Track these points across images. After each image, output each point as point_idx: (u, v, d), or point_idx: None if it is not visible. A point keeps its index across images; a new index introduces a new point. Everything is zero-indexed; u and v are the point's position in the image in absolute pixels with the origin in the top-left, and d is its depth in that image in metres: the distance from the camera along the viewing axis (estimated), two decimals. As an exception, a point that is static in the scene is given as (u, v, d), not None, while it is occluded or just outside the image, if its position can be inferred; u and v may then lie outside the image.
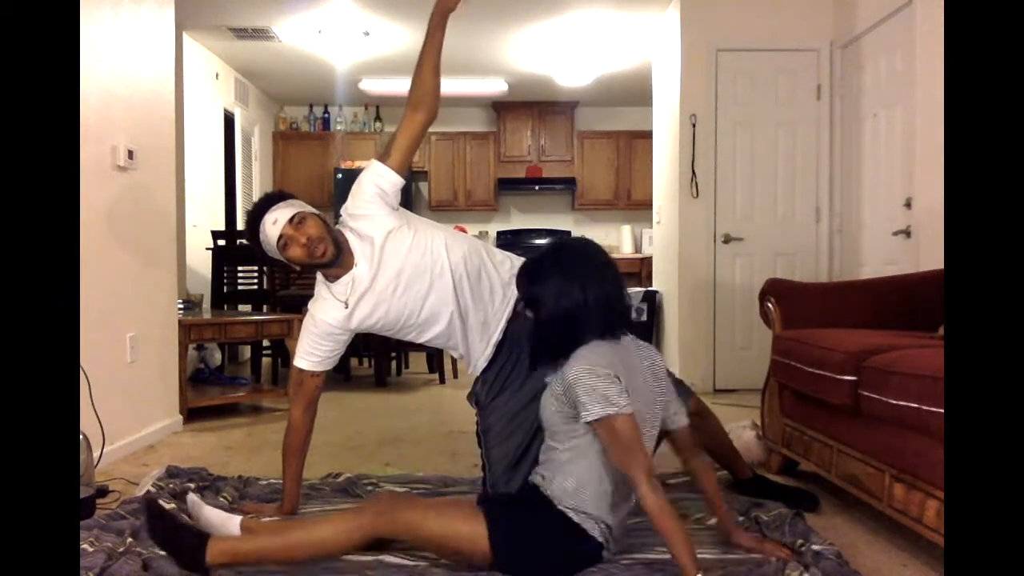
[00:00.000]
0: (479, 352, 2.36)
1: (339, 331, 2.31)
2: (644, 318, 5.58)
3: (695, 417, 2.53)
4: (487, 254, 2.38)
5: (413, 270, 2.26)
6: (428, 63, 2.30)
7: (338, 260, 2.24)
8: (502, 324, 2.33)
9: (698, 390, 4.91)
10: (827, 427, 2.55)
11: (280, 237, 2.21)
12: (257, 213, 2.26)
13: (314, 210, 2.30)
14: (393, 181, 2.29)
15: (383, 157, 2.31)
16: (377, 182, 2.28)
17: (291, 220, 2.21)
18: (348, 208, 2.31)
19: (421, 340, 2.42)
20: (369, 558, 1.97)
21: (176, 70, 4.05)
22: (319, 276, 2.34)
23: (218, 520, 2.12)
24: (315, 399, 2.38)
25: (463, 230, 6.32)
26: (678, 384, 2.50)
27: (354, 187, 2.32)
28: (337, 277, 2.28)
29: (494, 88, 7.52)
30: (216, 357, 5.59)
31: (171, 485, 2.59)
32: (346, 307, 2.27)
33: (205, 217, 6.29)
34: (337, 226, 2.33)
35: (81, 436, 2.42)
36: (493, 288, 2.33)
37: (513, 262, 2.40)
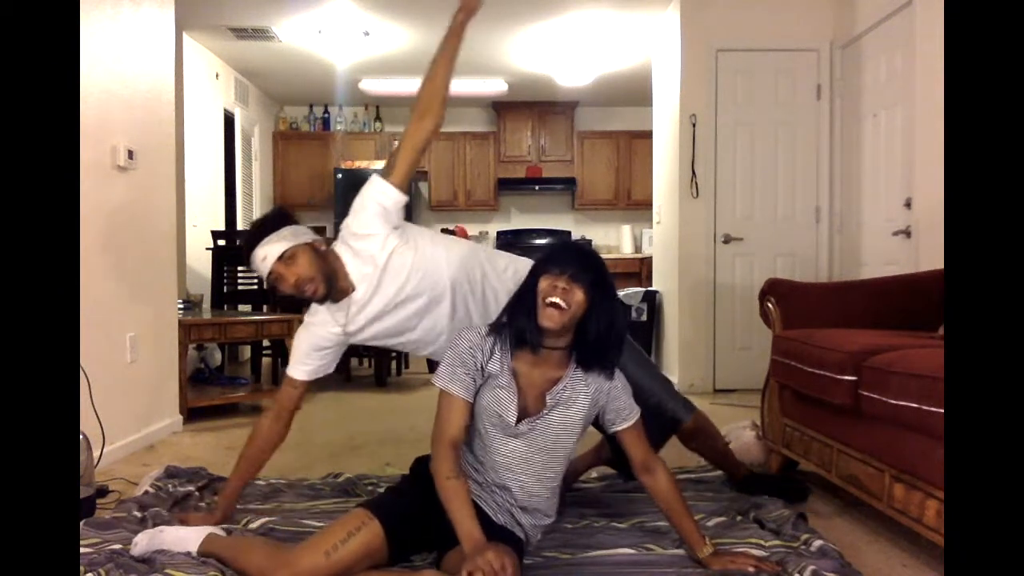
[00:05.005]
0: None
1: (331, 345, 2.31)
2: (644, 318, 5.58)
3: (696, 432, 2.54)
4: (489, 264, 2.33)
5: (412, 292, 2.22)
6: (442, 68, 2.23)
7: (330, 296, 2.20)
8: None
9: (698, 390, 4.95)
10: (827, 427, 2.55)
11: (270, 273, 2.17)
12: (249, 244, 2.20)
13: (308, 238, 2.21)
14: (396, 199, 2.19)
15: (386, 172, 2.22)
16: (380, 200, 2.19)
17: (281, 257, 2.14)
18: (349, 226, 2.23)
19: (420, 355, 2.45)
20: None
21: (176, 70, 4.05)
22: None
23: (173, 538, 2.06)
24: (290, 410, 2.33)
25: (463, 231, 6.33)
26: (679, 402, 2.53)
27: (355, 203, 2.23)
28: (337, 299, 2.24)
29: (494, 88, 7.51)
30: (216, 357, 5.60)
31: (170, 485, 2.60)
32: (341, 327, 2.26)
33: (205, 217, 6.28)
34: (336, 243, 2.26)
35: (81, 436, 2.42)
36: (498, 298, 2.29)
37: (516, 265, 2.37)
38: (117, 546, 2.03)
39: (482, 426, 1.91)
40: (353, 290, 2.21)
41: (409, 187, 2.25)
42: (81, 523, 2.16)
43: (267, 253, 2.15)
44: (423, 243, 2.27)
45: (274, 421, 2.32)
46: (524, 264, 2.36)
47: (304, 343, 2.31)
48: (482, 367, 1.89)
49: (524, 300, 1.87)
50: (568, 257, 1.85)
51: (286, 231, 2.19)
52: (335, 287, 2.19)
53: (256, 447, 2.32)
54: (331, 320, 2.27)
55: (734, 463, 2.69)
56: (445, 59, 2.24)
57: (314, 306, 2.31)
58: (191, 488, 2.61)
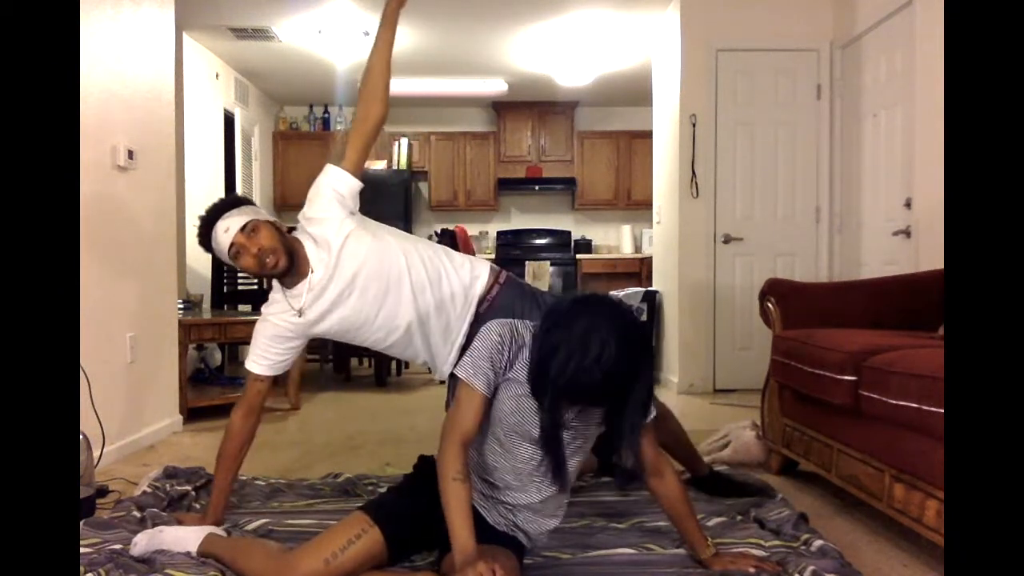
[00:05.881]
0: (444, 357, 2.33)
1: (291, 335, 2.29)
2: (644, 318, 5.58)
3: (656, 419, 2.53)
4: (447, 257, 2.34)
5: (368, 276, 2.22)
6: (380, 57, 2.28)
7: (291, 270, 2.21)
8: (465, 328, 2.29)
9: (698, 390, 4.96)
10: (827, 427, 2.55)
11: (232, 246, 2.17)
12: (209, 219, 2.22)
13: (269, 217, 2.27)
14: (351, 185, 2.23)
15: (339, 160, 2.25)
16: (335, 187, 2.21)
17: (243, 228, 2.17)
18: (305, 213, 2.26)
19: (380, 348, 2.37)
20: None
21: (176, 70, 4.05)
22: (275, 280, 2.31)
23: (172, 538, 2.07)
24: (258, 405, 2.33)
25: (463, 231, 6.31)
26: None
27: (311, 192, 2.26)
28: (293, 284, 2.24)
29: (494, 88, 7.51)
30: (216, 357, 5.60)
31: (167, 485, 2.60)
32: (299, 314, 2.24)
33: (205, 217, 6.28)
34: (294, 232, 2.28)
35: (81, 436, 2.42)
36: (454, 292, 2.29)
37: (472, 264, 2.36)
38: (117, 546, 2.03)
39: (502, 432, 1.85)
40: (311, 272, 2.22)
41: (363, 174, 2.29)
42: (81, 523, 2.17)
43: (229, 225, 2.19)
44: (380, 232, 2.30)
45: (244, 419, 2.31)
46: (480, 264, 2.36)
47: (262, 335, 2.29)
48: (504, 368, 1.81)
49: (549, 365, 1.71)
50: (584, 399, 1.74)
51: (247, 208, 2.26)
52: (296, 264, 2.21)
53: (232, 445, 2.31)
54: (289, 308, 2.25)
55: (695, 457, 2.69)
56: (382, 48, 2.29)
57: (271, 296, 2.31)
58: (188, 488, 2.62)
